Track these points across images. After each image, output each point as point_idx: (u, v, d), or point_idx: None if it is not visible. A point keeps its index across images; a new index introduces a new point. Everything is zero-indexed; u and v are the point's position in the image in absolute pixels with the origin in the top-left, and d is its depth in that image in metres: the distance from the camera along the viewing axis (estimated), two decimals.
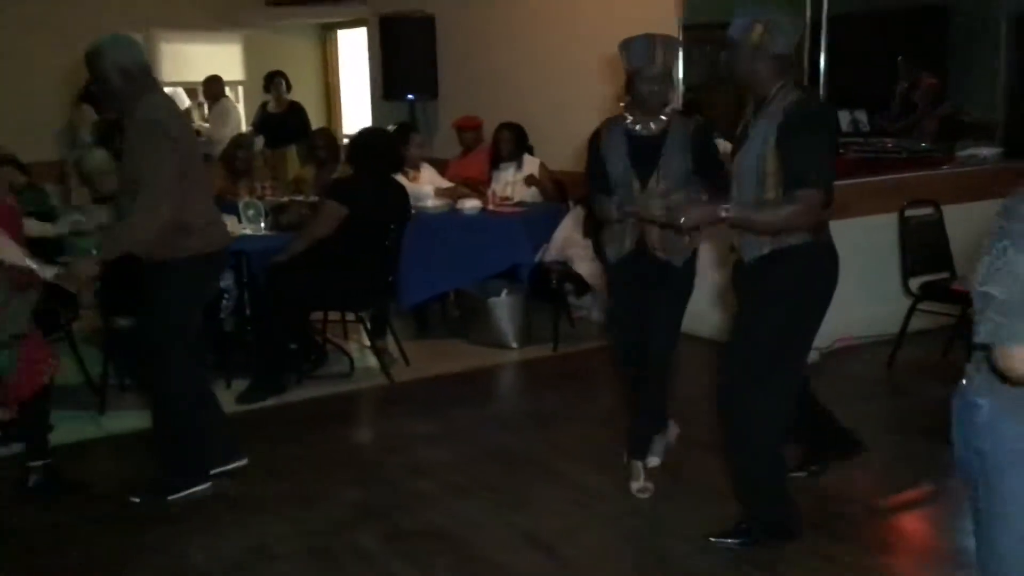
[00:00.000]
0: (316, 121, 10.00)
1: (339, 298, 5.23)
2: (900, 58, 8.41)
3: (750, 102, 3.29)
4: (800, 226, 3.06)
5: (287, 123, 9.29)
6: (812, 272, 3.20)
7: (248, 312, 5.36)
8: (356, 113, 10.46)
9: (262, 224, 5.54)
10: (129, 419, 4.66)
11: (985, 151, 7.11)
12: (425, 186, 6.33)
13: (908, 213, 5.27)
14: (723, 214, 3.08)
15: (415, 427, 4.67)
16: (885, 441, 4.32)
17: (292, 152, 9.41)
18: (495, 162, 6.47)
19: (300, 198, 6.74)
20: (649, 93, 3.58)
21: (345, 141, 8.15)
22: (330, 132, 7.00)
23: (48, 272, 3.60)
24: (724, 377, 3.33)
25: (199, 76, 9.40)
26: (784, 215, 3.03)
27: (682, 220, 3.14)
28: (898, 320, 5.55)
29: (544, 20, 6.98)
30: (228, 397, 4.83)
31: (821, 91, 5.65)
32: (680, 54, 3.41)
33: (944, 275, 5.28)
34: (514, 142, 6.41)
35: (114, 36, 3.73)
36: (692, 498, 3.81)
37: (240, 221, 5.55)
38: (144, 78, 3.68)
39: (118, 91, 3.65)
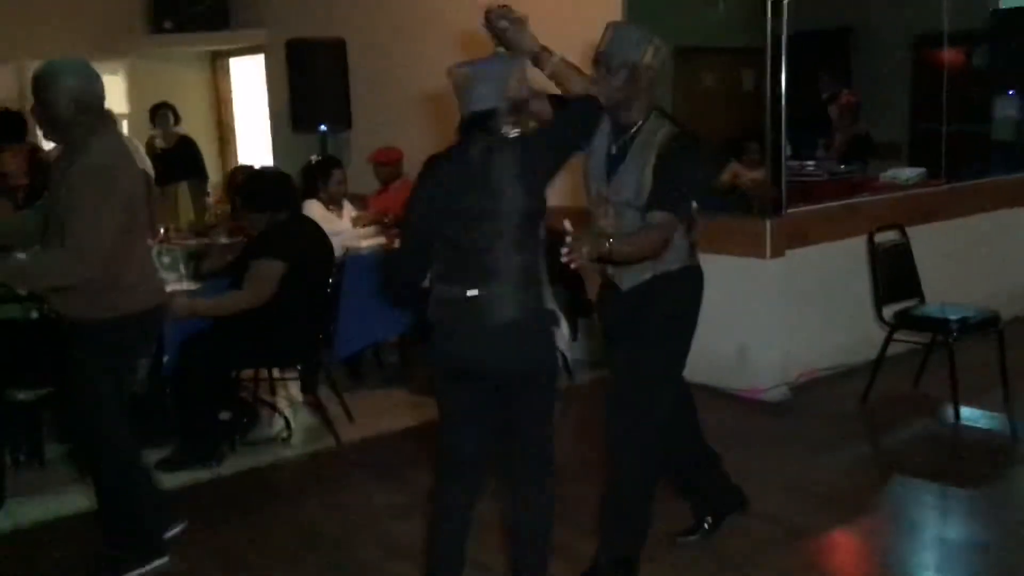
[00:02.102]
0: (209, 155, 9.36)
1: (272, 355, 4.69)
2: (820, 73, 8.41)
3: (607, 126, 3.13)
4: (658, 251, 2.99)
5: (177, 158, 8.69)
6: (690, 296, 3.20)
7: (164, 373, 4.71)
8: (253, 146, 9.83)
9: (181, 271, 4.94)
10: (35, 506, 4.05)
11: (908, 172, 7.03)
12: (345, 223, 5.85)
13: (877, 239, 5.06)
14: (606, 247, 2.84)
15: (377, 496, 4.15)
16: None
17: (183, 189, 8.81)
18: None
19: (206, 240, 6.20)
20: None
21: None
22: (248, 169, 6.42)
23: None
24: (613, 410, 3.20)
25: None
26: (651, 242, 2.94)
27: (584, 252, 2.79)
28: (862, 349, 5.37)
29: (469, 40, 6.57)
30: None
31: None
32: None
33: (914, 301, 5.09)
34: None
35: (73, 60, 3.31)
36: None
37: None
38: (100, 113, 3.30)
39: (67, 122, 3.22)
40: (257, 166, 7.14)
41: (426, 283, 2.87)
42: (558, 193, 5.09)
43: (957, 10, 7.80)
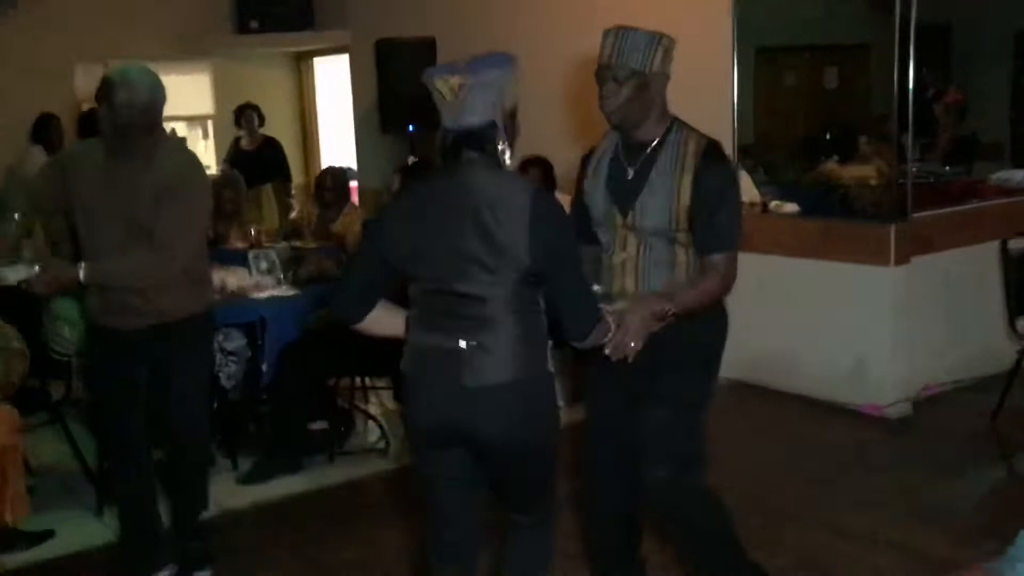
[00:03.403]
0: (292, 157, 9.28)
1: (371, 362, 4.52)
2: (924, 69, 8.06)
3: (608, 135, 2.80)
4: (722, 296, 2.72)
5: (261, 160, 8.59)
6: (721, 331, 2.84)
7: (266, 382, 4.58)
8: (337, 148, 9.73)
9: (280, 277, 4.80)
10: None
11: (1021, 174, 6.66)
12: None
13: (1011, 246, 4.73)
14: (669, 310, 2.58)
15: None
16: None
17: (268, 191, 8.72)
18: None
19: (298, 243, 6.07)
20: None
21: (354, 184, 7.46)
22: (339, 171, 6.28)
23: (13, 275, 3.17)
24: (655, 470, 2.72)
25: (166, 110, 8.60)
26: (716, 289, 2.67)
27: (631, 346, 2.52)
28: (988, 362, 5.07)
29: (560, 38, 6.35)
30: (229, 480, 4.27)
31: None
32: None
33: None
34: (542, 178, 5.78)
35: (144, 67, 3.26)
36: None
37: (250, 274, 4.82)
38: (160, 116, 3.27)
39: (137, 126, 3.16)
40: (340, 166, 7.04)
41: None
42: None
43: None
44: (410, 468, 4.38)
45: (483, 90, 2.26)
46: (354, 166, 8.61)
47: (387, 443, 4.72)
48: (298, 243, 6.00)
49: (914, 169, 6.58)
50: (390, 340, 4.35)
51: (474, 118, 2.27)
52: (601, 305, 2.48)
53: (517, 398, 2.31)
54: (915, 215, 4.87)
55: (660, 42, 2.64)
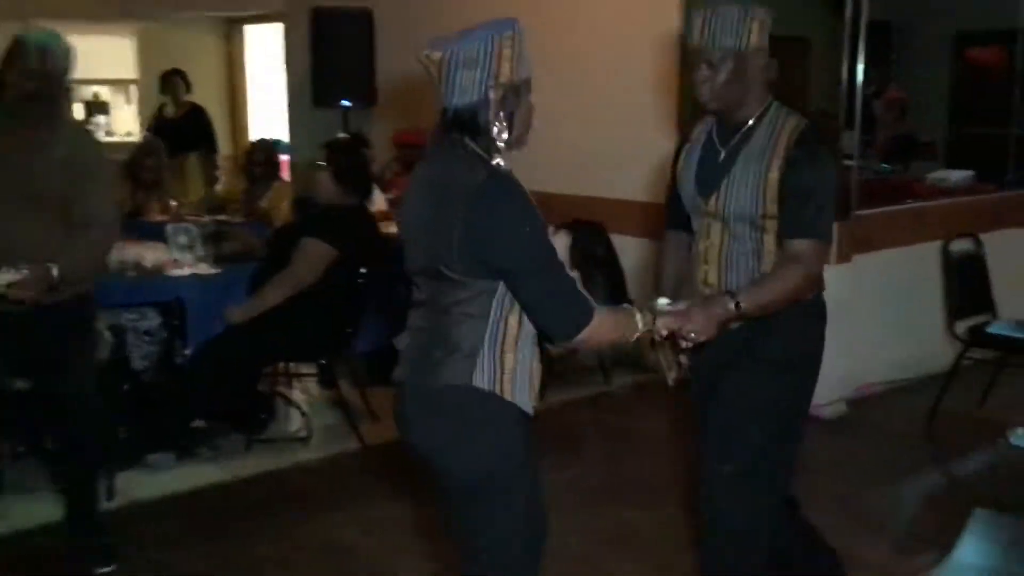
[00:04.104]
0: (220, 127, 8.95)
1: (301, 350, 4.32)
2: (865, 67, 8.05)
3: (704, 120, 2.62)
4: (804, 292, 2.48)
5: (186, 128, 8.25)
6: (816, 333, 2.60)
7: (177, 365, 4.31)
8: (267, 119, 9.41)
9: (199, 253, 4.54)
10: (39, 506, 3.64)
11: (956, 174, 6.68)
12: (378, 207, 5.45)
13: (952, 248, 4.69)
14: (735, 309, 2.37)
15: (420, 508, 3.76)
16: None
17: (193, 161, 8.39)
18: None
19: (223, 218, 5.82)
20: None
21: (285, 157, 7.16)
22: (269, 144, 6.02)
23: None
24: (717, 466, 2.57)
25: (86, 74, 8.22)
26: (795, 282, 2.43)
27: (691, 335, 2.31)
28: (923, 363, 5.05)
29: (511, 14, 6.16)
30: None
31: None
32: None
33: (986, 317, 4.72)
34: None
35: (52, 31, 3.12)
36: None
37: (170, 249, 4.55)
38: (68, 86, 3.17)
39: (44, 95, 3.03)
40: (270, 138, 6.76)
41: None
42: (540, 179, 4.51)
43: (1002, 8, 7.47)
44: (334, 458, 4.27)
45: (467, 66, 2.01)
46: (286, 139, 8.33)
47: (309, 432, 4.50)
48: (223, 218, 5.75)
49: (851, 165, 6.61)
50: (328, 324, 4.20)
51: (460, 98, 2.03)
52: (660, 306, 2.29)
53: (429, 408, 2.11)
54: (858, 213, 4.80)
55: (754, 15, 2.43)
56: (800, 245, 2.42)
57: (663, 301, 2.46)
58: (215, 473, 4.08)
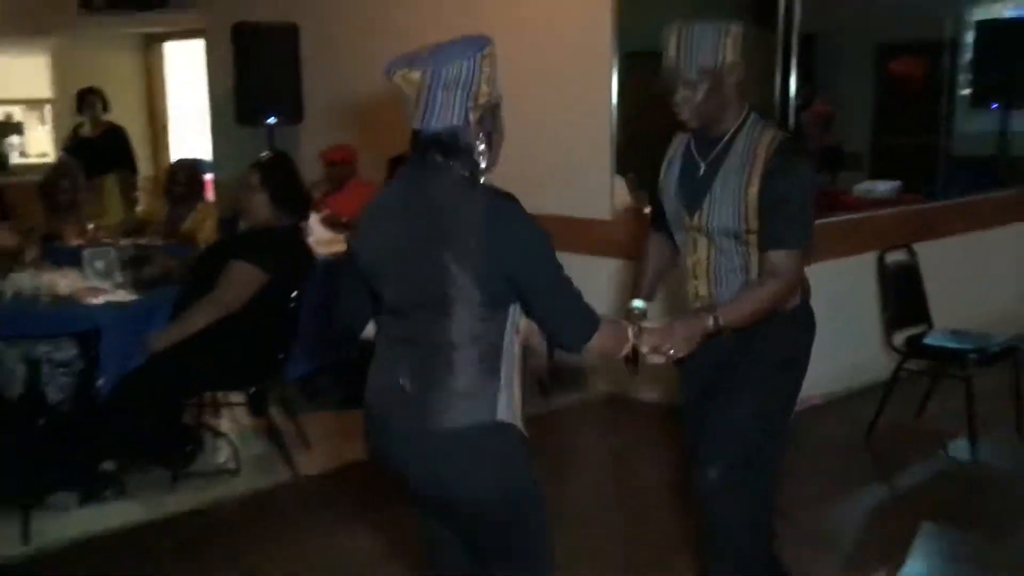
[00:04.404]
0: (140, 147, 8.69)
1: (229, 378, 4.13)
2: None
3: (681, 138, 2.64)
4: (784, 301, 2.51)
5: (104, 148, 8.03)
6: (804, 337, 2.67)
7: (103, 396, 4.09)
8: (189, 138, 9.16)
9: (118, 279, 4.33)
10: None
11: (882, 185, 6.75)
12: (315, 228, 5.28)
13: (888, 260, 4.69)
14: (712, 325, 2.40)
15: (344, 540, 3.62)
16: None
17: (111, 183, 8.13)
18: None
19: (142, 241, 5.61)
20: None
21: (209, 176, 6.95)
22: (191, 164, 5.82)
23: None
24: (706, 468, 2.58)
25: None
26: (771, 294, 2.46)
27: (671, 351, 2.32)
28: (859, 374, 5.06)
29: (438, 30, 6.05)
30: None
31: None
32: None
33: (922, 327, 4.73)
34: None
35: None
36: None
37: (86, 275, 4.34)
38: None
39: None
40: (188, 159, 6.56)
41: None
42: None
43: (924, 21, 7.59)
44: (266, 491, 4.10)
45: (448, 86, 1.93)
46: (209, 158, 8.11)
47: (239, 464, 4.31)
48: (143, 241, 5.54)
49: None
50: (258, 350, 4.03)
51: (442, 120, 1.94)
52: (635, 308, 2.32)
53: (454, 450, 1.98)
54: None
55: (727, 31, 2.45)
56: (776, 256, 2.44)
57: (638, 304, 2.57)
58: (139, 512, 3.86)
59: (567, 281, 2.01)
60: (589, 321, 2.04)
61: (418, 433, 1.99)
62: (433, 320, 1.96)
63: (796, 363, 2.63)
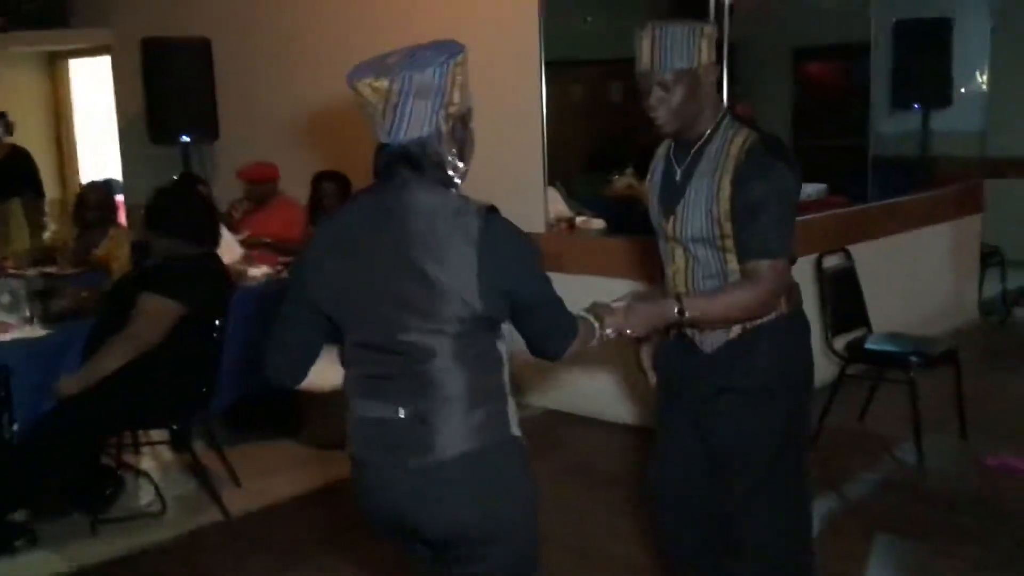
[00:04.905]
0: (45, 169, 8.30)
1: (149, 417, 3.89)
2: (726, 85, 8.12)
3: (665, 145, 2.55)
4: (764, 309, 2.38)
5: (8, 173, 7.63)
6: (796, 350, 2.50)
7: (7, 441, 3.79)
8: (99, 159, 8.80)
9: (26, 313, 4.05)
10: None
11: (810, 188, 6.76)
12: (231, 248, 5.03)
13: (825, 264, 4.64)
14: (677, 314, 2.30)
15: None
16: None
17: (16, 208, 7.74)
18: (315, 219, 5.28)
19: (52, 270, 5.31)
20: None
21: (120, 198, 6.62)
22: (103, 186, 5.53)
23: None
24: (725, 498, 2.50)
25: None
26: (748, 299, 2.34)
27: (627, 331, 2.25)
28: None
29: (359, 39, 5.85)
30: None
31: None
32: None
33: (862, 331, 4.69)
34: (339, 195, 5.29)
35: None
36: None
37: None
38: None
39: None
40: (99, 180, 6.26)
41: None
42: None
43: (833, 25, 7.65)
44: (193, 534, 3.86)
45: (419, 95, 1.80)
46: (119, 179, 7.79)
47: (163, 505, 4.06)
48: (52, 270, 5.24)
49: None
50: (179, 386, 3.80)
51: (411, 131, 1.81)
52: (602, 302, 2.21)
53: (471, 475, 1.87)
54: None
55: (701, 31, 2.33)
56: (755, 266, 2.31)
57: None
58: (56, 562, 3.59)
59: (554, 291, 1.96)
60: (572, 328, 2.01)
61: (433, 467, 1.85)
62: (428, 346, 1.83)
63: (796, 378, 2.50)
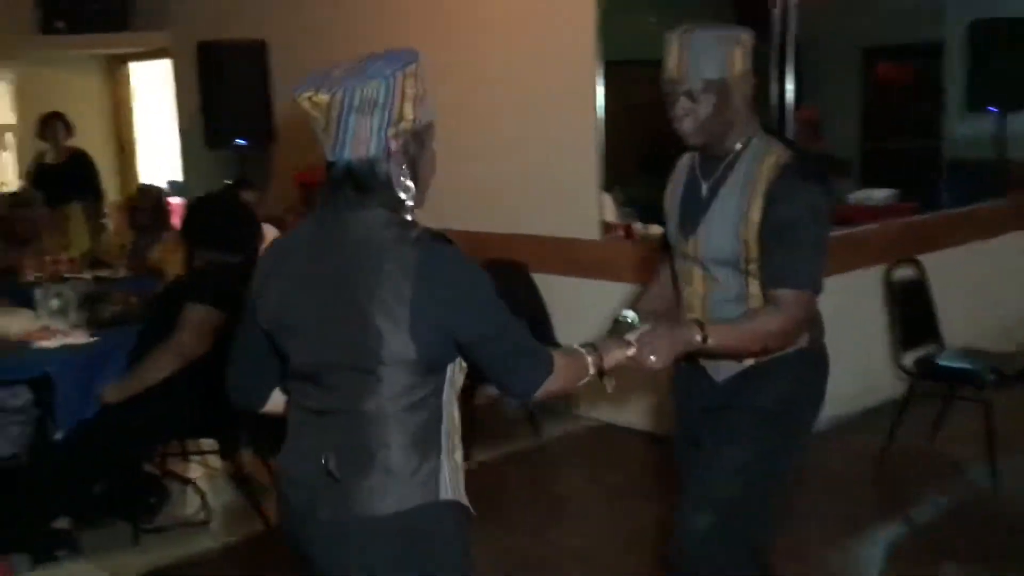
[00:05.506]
0: (106, 172, 8.37)
1: (193, 426, 3.84)
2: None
3: (688, 157, 2.40)
4: (786, 342, 2.25)
5: (68, 175, 7.69)
6: (809, 378, 2.39)
7: (53, 447, 3.77)
8: (158, 163, 8.86)
9: (72, 319, 4.02)
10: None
11: (879, 193, 6.54)
12: None
13: (894, 275, 4.43)
14: (700, 342, 2.14)
15: None
16: None
17: (76, 210, 7.81)
18: None
19: (105, 273, 5.32)
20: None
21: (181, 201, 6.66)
22: (155, 190, 5.53)
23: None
24: (692, 518, 2.34)
25: None
26: (771, 329, 2.19)
27: (651, 359, 2.08)
28: (865, 397, 4.78)
29: (411, 43, 5.78)
30: None
31: None
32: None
33: (933, 346, 4.47)
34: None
35: None
36: None
37: (37, 315, 4.04)
38: None
39: None
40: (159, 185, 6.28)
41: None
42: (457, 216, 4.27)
43: (906, 23, 7.39)
44: (239, 545, 3.79)
45: (363, 110, 1.64)
46: (180, 181, 7.84)
47: (209, 515, 4.00)
48: (105, 274, 5.25)
49: None
50: (213, 394, 3.73)
51: (355, 150, 1.66)
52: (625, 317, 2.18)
53: (385, 541, 1.69)
54: None
55: (737, 39, 2.21)
56: (780, 294, 2.16)
57: (627, 313, 2.29)
58: (98, 573, 3.57)
59: (513, 324, 1.74)
60: (542, 364, 1.78)
61: (347, 522, 1.69)
62: (358, 386, 1.67)
63: (799, 409, 2.37)
